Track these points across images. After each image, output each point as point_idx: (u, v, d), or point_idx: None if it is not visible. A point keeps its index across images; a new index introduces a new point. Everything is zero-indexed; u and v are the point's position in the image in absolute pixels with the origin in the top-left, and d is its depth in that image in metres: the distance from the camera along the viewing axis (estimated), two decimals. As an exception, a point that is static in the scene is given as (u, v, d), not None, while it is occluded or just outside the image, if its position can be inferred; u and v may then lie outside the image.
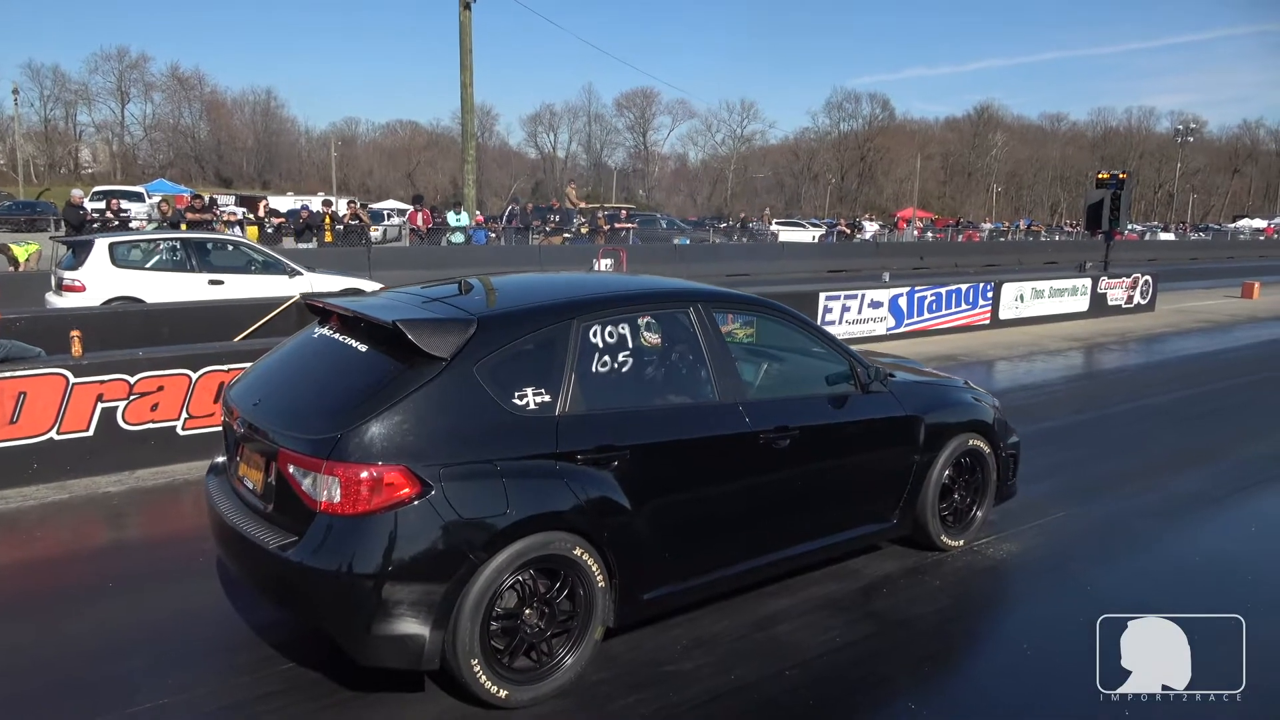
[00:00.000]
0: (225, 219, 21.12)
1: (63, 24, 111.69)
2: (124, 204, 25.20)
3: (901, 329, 13.56)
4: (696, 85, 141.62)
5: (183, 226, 18.32)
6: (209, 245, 11.87)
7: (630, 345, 3.75)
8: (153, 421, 6.34)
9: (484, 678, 3.27)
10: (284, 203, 35.21)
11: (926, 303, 14.03)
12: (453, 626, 3.18)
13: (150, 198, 35.04)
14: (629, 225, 28.31)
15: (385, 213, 36.25)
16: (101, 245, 11.00)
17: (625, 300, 3.90)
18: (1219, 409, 9.11)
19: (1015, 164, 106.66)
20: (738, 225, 36.77)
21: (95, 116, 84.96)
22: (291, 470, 3.22)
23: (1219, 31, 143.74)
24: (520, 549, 3.26)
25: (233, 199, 40.40)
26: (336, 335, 3.70)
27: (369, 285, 11.00)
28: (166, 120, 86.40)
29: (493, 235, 23.94)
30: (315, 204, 25.04)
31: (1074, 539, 5.33)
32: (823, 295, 12.64)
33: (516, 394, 3.37)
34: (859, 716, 3.50)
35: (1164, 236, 57.20)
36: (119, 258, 10.94)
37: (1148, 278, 18.03)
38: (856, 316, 12.98)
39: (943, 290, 14.31)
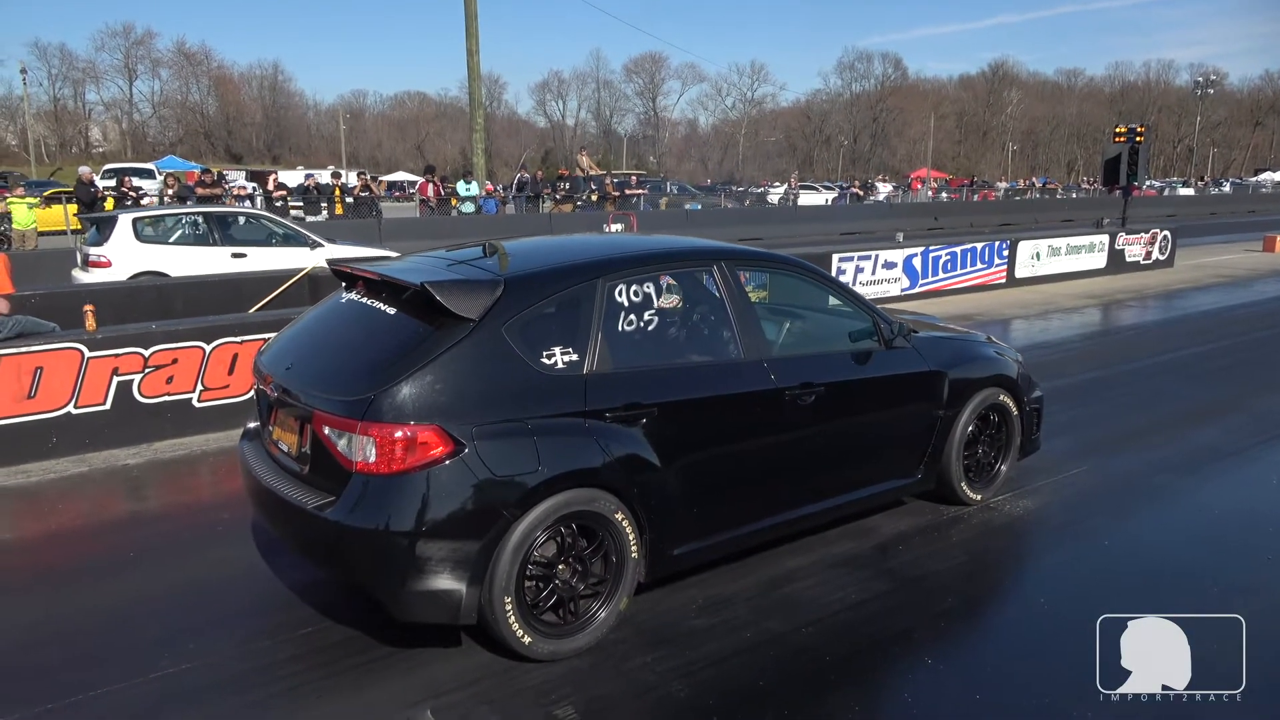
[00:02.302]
0: (235, 194, 21.11)
1: (68, 2, 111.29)
2: (135, 181, 25.26)
3: (916, 289, 13.47)
4: (706, 48, 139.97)
5: (189, 203, 18.38)
6: (231, 219, 11.97)
7: (655, 304, 3.78)
8: (169, 394, 6.38)
9: (521, 631, 3.35)
10: (293, 177, 35.18)
11: (941, 262, 13.90)
12: (489, 582, 3.25)
13: (160, 174, 35.08)
14: (640, 191, 28.14)
15: (403, 184, 36.08)
16: (125, 221, 11.13)
17: (650, 259, 3.93)
18: (1238, 363, 9.02)
19: (1031, 122, 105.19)
20: (750, 191, 36.46)
21: (104, 95, 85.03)
22: (327, 432, 3.28)
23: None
24: (552, 505, 3.32)
25: (242, 174, 40.39)
26: (364, 299, 3.74)
27: (390, 254, 11.02)
28: (175, 97, 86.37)
29: (504, 204, 23.86)
30: (325, 177, 25.00)
31: (1092, 494, 5.30)
32: (835, 257, 12.55)
33: (545, 353, 3.42)
34: (876, 671, 3.50)
35: (1183, 192, 56.30)
36: (142, 233, 11.08)
37: (1166, 233, 17.79)
38: (870, 278, 12.89)
39: (957, 249, 14.18)
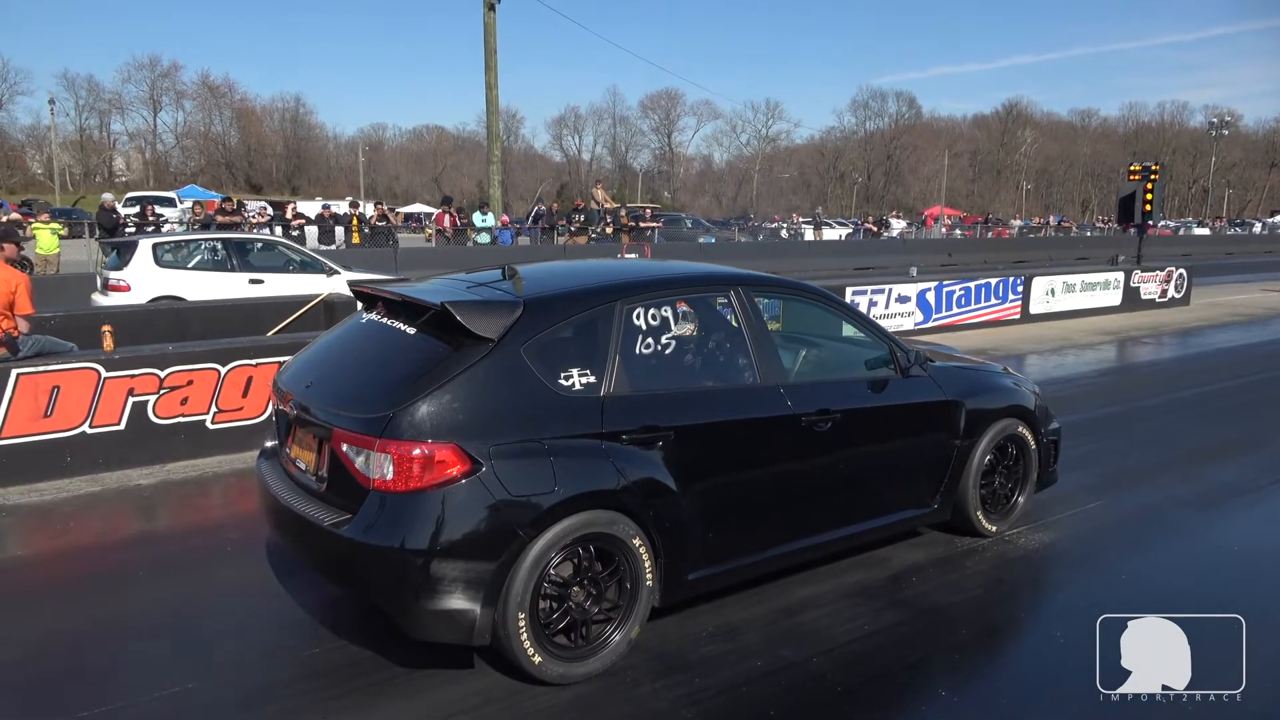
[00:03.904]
0: (254, 221, 21.37)
1: (97, 35, 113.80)
2: (157, 209, 25.60)
3: (930, 324, 13.46)
4: (721, 85, 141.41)
5: (211, 229, 18.61)
6: (249, 246, 12.16)
7: (672, 327, 3.79)
8: (183, 415, 6.41)
9: (533, 652, 3.31)
10: (312, 207, 35.56)
11: (955, 297, 13.90)
12: (503, 602, 3.23)
13: (181, 203, 35.56)
14: (654, 224, 28.30)
15: (419, 216, 36.38)
16: (145, 246, 11.31)
17: (667, 283, 3.97)
18: (1257, 401, 8.92)
19: (1045, 161, 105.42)
20: (766, 226, 36.62)
21: (128, 125, 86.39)
22: (345, 449, 3.29)
23: (1254, 24, 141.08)
24: (568, 526, 3.30)
25: (262, 201, 40.88)
26: (384, 320, 3.76)
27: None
28: (198, 128, 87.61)
29: (518, 235, 24.04)
30: (343, 207, 25.28)
31: (1108, 528, 5.22)
32: (849, 290, 12.57)
33: (563, 374, 3.43)
34: (888, 702, 3.45)
35: (1198, 232, 56.20)
36: (162, 258, 11.24)
37: (1182, 271, 17.73)
38: (884, 312, 12.89)
39: (971, 285, 14.18)
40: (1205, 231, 55.78)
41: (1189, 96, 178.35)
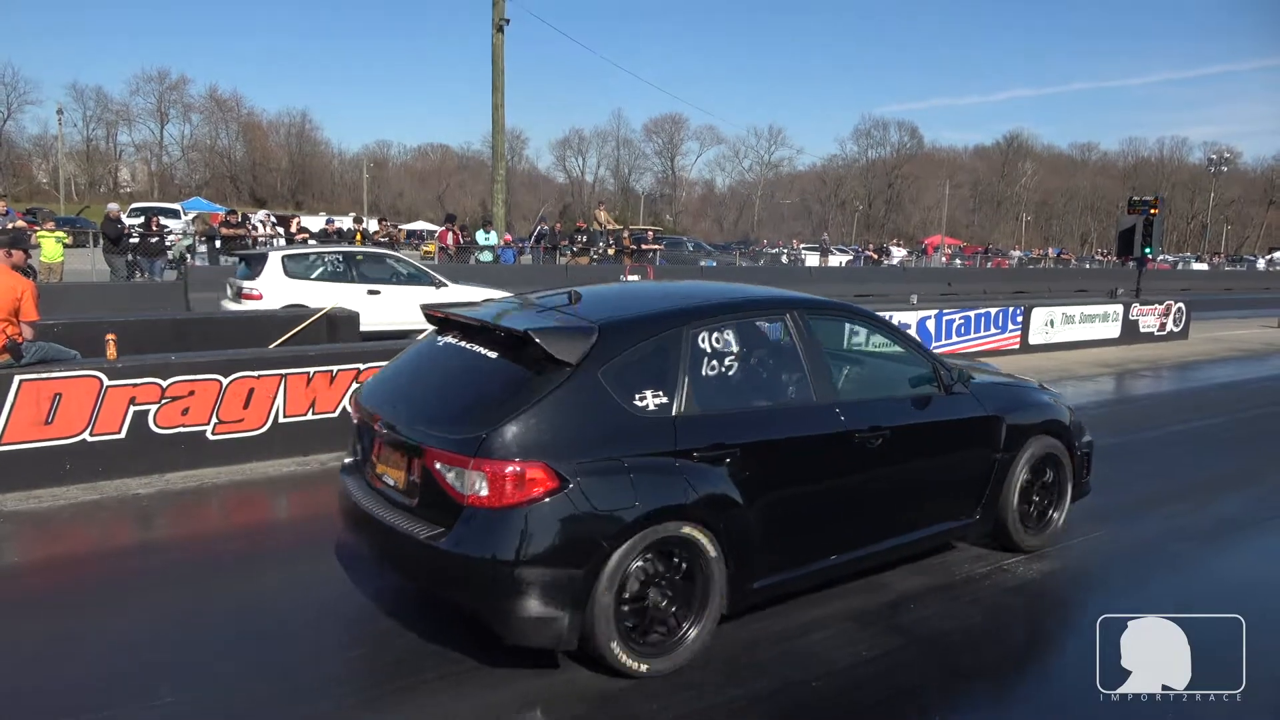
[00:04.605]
0: (257, 234, 21.43)
1: (107, 48, 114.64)
2: (162, 219, 25.68)
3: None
4: (725, 111, 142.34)
5: (216, 242, 18.66)
6: (363, 258, 13.27)
7: (735, 349, 4.05)
8: (183, 426, 6.40)
9: (621, 654, 3.58)
10: (316, 222, 35.72)
11: (955, 326, 13.94)
12: (590, 608, 3.47)
13: (185, 214, 35.66)
14: (655, 247, 28.37)
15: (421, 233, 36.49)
16: (275, 259, 12.42)
17: (730, 307, 4.20)
18: (1257, 434, 8.93)
19: (1045, 193, 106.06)
20: (767, 251, 36.75)
21: (135, 136, 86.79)
22: (438, 467, 3.51)
23: (1254, 62, 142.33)
24: (647, 537, 3.56)
25: (266, 213, 41.00)
26: (463, 343, 4.00)
27: (497, 293, 12.02)
28: (204, 141, 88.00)
29: (521, 254, 24.09)
30: (346, 223, 25.36)
31: (1108, 558, 5.22)
32: (850, 316, 12.58)
33: (637, 396, 3.68)
34: (886, 729, 3.43)
35: (1197, 267, 56.43)
36: (289, 269, 12.33)
37: (1181, 305, 17.79)
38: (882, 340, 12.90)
39: (971, 314, 14.21)
40: (1204, 267, 56.01)
41: (1189, 133, 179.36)
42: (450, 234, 22.98)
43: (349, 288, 12.32)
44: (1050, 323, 15.32)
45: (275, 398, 6.73)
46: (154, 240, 18.24)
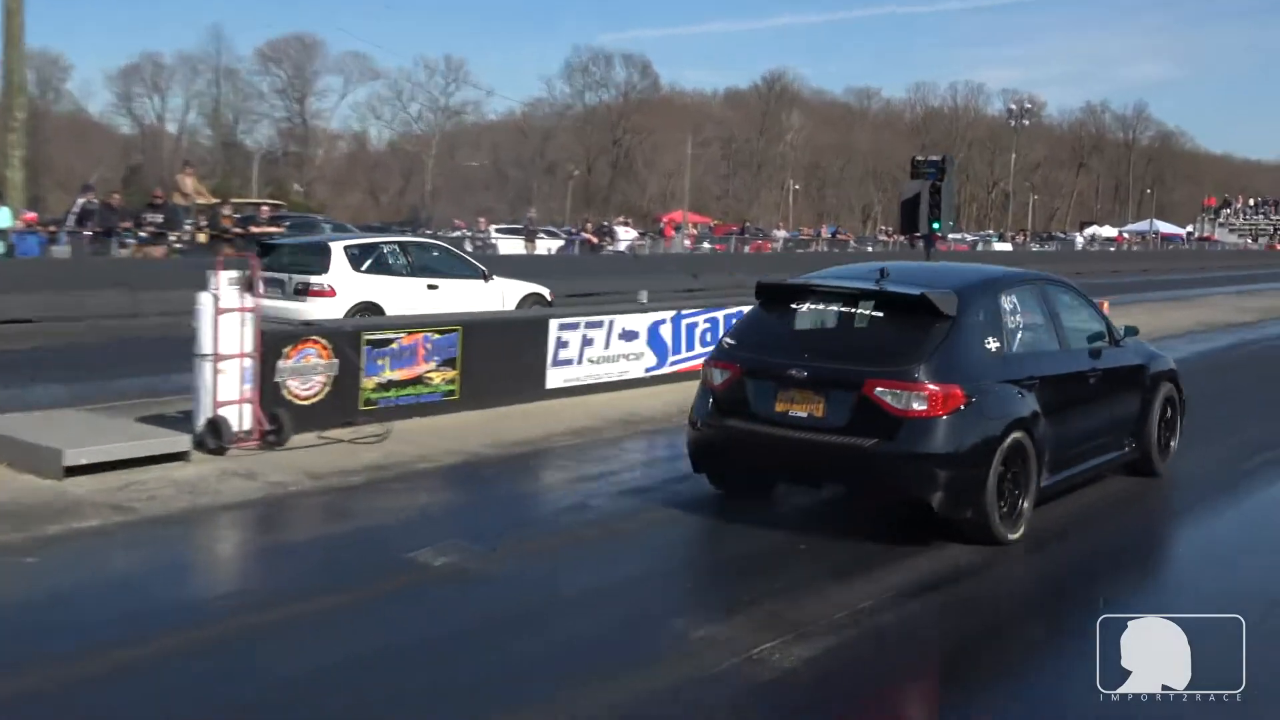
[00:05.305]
0: None
1: None
2: None
3: (666, 369, 13.77)
4: (382, 35, 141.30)
5: None
6: (417, 248, 17.82)
7: (1023, 309, 7.99)
8: None
9: (1000, 522, 7.06)
10: None
11: (700, 333, 14.31)
12: (985, 491, 6.90)
13: None
14: (273, 229, 27.44)
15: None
16: (339, 250, 15.96)
17: (1015, 279, 8.62)
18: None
19: (816, 153, 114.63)
20: (444, 233, 36.71)
21: None
22: (878, 392, 6.91)
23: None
24: (1007, 439, 7.08)
25: None
26: (834, 307, 7.85)
27: (545, 290, 18.70)
28: None
29: (52, 243, 22.51)
30: None
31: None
32: (554, 323, 12.64)
33: (986, 340, 7.41)
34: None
35: (999, 247, 63.57)
36: (355, 262, 15.96)
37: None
38: (602, 353, 12.98)
39: (720, 315, 14.61)
40: (1007, 247, 63.22)
41: (985, 76, 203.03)
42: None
43: (410, 282, 15.96)
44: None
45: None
46: None
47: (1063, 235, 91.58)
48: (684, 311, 14.52)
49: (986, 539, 7.06)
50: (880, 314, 7.47)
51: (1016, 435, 7.13)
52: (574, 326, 12.94)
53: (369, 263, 15.72)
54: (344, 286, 15.00)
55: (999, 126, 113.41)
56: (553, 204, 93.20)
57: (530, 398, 11.96)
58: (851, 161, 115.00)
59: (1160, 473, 9.31)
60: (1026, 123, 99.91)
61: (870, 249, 53.58)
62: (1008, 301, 7.79)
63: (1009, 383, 7.34)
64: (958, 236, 72.33)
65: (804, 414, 7.21)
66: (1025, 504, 7.28)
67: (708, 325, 14.58)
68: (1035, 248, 68.70)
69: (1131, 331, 9.37)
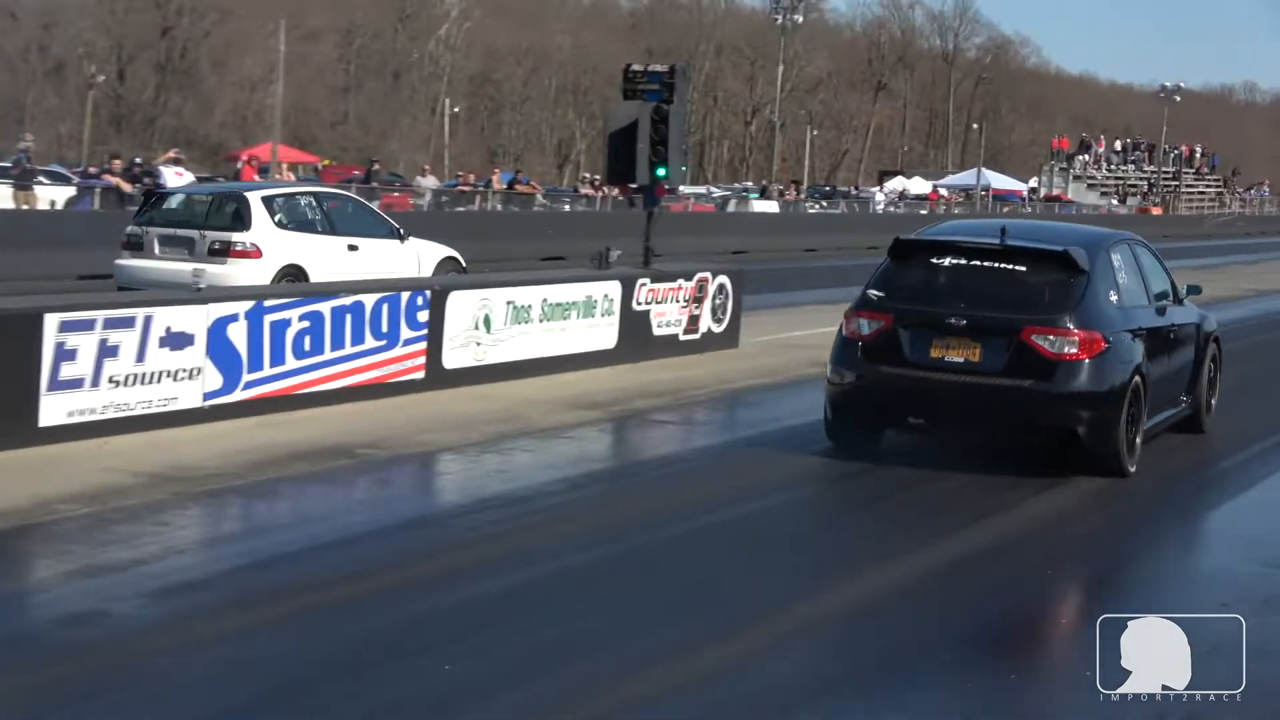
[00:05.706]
0: None
1: None
2: None
3: (237, 395, 13.44)
4: None
5: None
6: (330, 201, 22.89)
7: (1124, 266, 14.54)
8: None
9: (1127, 456, 13.35)
10: None
11: (294, 335, 14.15)
12: (1119, 425, 13.14)
13: None
14: None
15: None
16: (258, 203, 20.79)
17: (1116, 238, 15.81)
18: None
19: (487, 60, 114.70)
20: None
21: None
22: (1034, 338, 12.94)
23: None
24: (1132, 380, 13.40)
25: None
26: (977, 262, 13.73)
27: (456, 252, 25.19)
28: None
29: None
30: None
31: None
32: (53, 320, 12.08)
33: (1109, 293, 13.82)
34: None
35: (760, 206, 64.87)
36: (279, 219, 21.24)
37: (723, 282, 20.42)
38: (133, 367, 12.61)
39: (326, 307, 14.61)
40: (772, 207, 64.79)
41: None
42: None
43: (328, 241, 21.19)
44: (485, 323, 16.53)
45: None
46: None
47: (854, 191, 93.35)
48: (267, 303, 14.33)
49: (1116, 470, 12.89)
50: (1024, 268, 13.25)
51: (1136, 379, 12.91)
52: (88, 326, 12.41)
53: (287, 217, 20.27)
54: (270, 246, 19.38)
55: (761, 26, 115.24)
56: (63, 128, 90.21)
57: (9, 443, 11.46)
58: (536, 74, 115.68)
59: (1204, 429, 16.03)
60: (800, 19, 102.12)
61: (568, 206, 54.31)
62: (1115, 258, 13.98)
63: (1126, 332, 13.20)
64: (698, 191, 73.61)
65: (960, 359, 12.70)
66: (1139, 441, 13.23)
67: (308, 324, 14.59)
68: (813, 208, 70.78)
69: (1194, 290, 16.16)
